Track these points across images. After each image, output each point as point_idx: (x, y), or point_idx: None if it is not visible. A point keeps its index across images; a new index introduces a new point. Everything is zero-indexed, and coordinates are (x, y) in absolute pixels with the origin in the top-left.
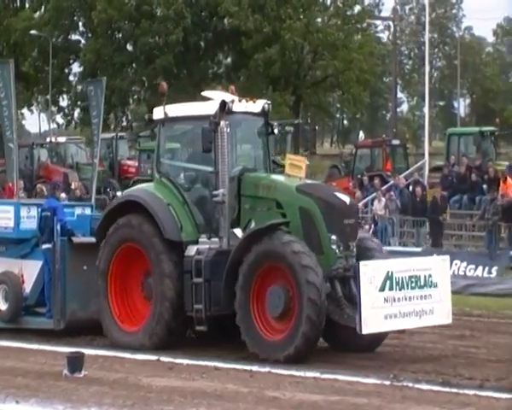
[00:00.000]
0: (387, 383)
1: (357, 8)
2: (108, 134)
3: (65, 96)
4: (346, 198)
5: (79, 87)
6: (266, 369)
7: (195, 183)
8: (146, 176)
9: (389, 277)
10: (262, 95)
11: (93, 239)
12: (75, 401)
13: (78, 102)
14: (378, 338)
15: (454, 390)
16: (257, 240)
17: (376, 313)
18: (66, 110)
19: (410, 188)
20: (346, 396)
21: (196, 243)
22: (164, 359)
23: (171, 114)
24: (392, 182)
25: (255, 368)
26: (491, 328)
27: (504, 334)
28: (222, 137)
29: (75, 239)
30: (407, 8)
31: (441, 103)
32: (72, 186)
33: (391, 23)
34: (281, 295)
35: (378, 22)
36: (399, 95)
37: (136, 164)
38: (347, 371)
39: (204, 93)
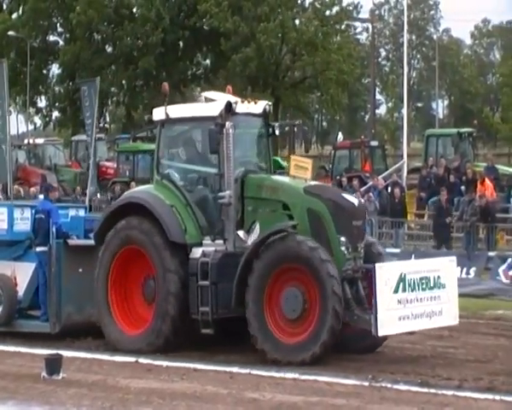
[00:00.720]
0: (366, 384)
1: (336, 9)
2: (86, 136)
3: (43, 97)
4: (354, 200)
5: (57, 88)
6: (246, 370)
7: (198, 184)
8: (124, 177)
9: (402, 278)
10: (241, 96)
11: (89, 241)
12: (53, 403)
13: (57, 104)
14: (380, 340)
15: (432, 391)
16: (271, 243)
17: (391, 315)
18: (44, 111)
19: (389, 189)
20: (325, 397)
21: (200, 245)
22: (143, 361)
23: (172, 115)
24: (370, 183)
25: (235, 370)
26: (470, 329)
27: (483, 335)
28: (227, 139)
29: (71, 242)
30: (385, 9)
31: (419, 105)
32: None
33: (369, 25)
34: (298, 296)
35: (357, 24)
36: (378, 96)
37: (115, 165)
38: (326, 372)
39: (205, 94)
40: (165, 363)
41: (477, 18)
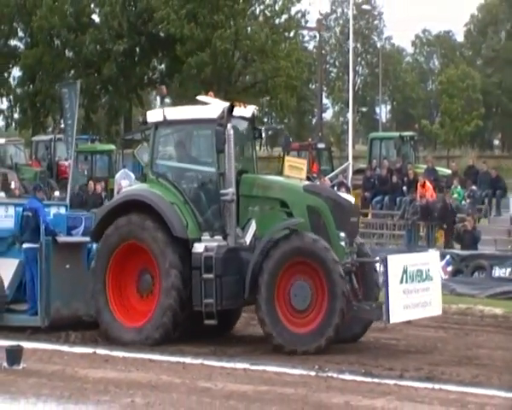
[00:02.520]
0: (313, 373)
1: (285, 17)
2: (46, 136)
3: (4, 99)
4: (350, 198)
5: (19, 90)
6: (198, 361)
7: (195, 183)
8: (83, 176)
9: (405, 270)
10: (196, 99)
11: (76, 239)
12: (14, 392)
13: (18, 105)
14: (361, 330)
15: (376, 380)
16: (288, 236)
17: (399, 304)
18: (6, 113)
19: (335, 189)
20: (274, 386)
21: (199, 240)
22: (100, 351)
23: (170, 117)
24: (317, 183)
25: (188, 360)
26: (411, 321)
27: (423, 327)
28: (229, 139)
29: (59, 239)
30: (332, 19)
31: (364, 109)
32: (12, 186)
33: (317, 33)
34: (306, 289)
35: (305, 32)
36: (325, 101)
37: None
38: (275, 362)
39: (199, 97)
40: (121, 354)
41: (418, 27)
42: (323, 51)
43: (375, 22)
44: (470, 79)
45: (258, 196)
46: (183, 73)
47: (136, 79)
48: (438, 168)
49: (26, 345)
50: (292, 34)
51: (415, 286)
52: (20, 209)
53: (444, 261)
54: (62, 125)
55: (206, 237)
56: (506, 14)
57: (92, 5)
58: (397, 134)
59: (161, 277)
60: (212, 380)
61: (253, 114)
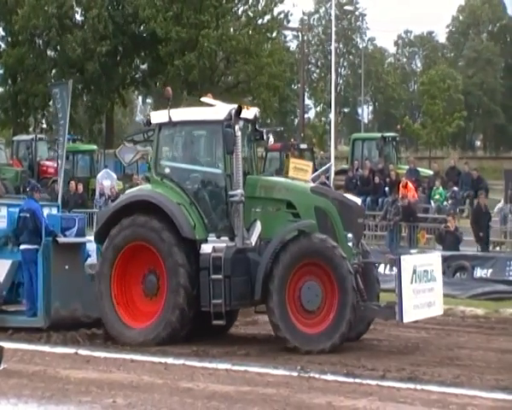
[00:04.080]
0: (295, 374)
1: (268, 17)
2: (27, 136)
3: None
4: (356, 199)
5: (0, 89)
6: (180, 361)
7: (201, 184)
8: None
9: (414, 270)
10: (179, 100)
11: (76, 239)
12: None
13: None
14: (363, 329)
15: (358, 381)
16: (296, 238)
17: (411, 304)
18: None
19: None
20: (256, 387)
21: (206, 241)
22: (82, 352)
23: (175, 119)
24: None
25: (170, 360)
26: (393, 322)
27: (405, 327)
28: (237, 141)
29: (60, 240)
30: (314, 19)
31: (346, 110)
32: None
33: (299, 33)
34: (317, 289)
35: (287, 32)
36: (307, 101)
37: (55, 165)
38: (257, 363)
39: (203, 99)
40: (103, 354)
41: (400, 28)
42: (306, 51)
43: (358, 23)
44: (452, 79)
45: (263, 198)
46: (168, 74)
47: (119, 79)
48: (420, 169)
49: (7, 345)
50: (274, 34)
51: (422, 286)
52: (13, 210)
53: None
54: (44, 125)
55: (211, 237)
56: (487, 16)
57: (75, 6)
58: (379, 135)
59: (168, 276)
60: (194, 380)
61: (255, 116)
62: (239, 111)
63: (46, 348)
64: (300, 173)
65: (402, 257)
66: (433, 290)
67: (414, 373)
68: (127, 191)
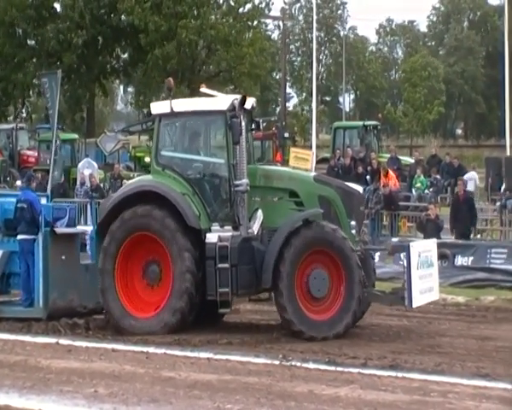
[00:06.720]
0: (277, 362)
1: (248, 6)
2: (8, 125)
3: None
4: (358, 187)
5: None
6: (162, 350)
7: (203, 174)
8: (45, 165)
9: (419, 257)
10: (159, 88)
11: (74, 230)
12: None
13: None
14: (358, 316)
15: (339, 369)
16: (309, 225)
17: (417, 289)
18: None
19: None
20: (238, 376)
21: (209, 230)
22: (63, 341)
23: (177, 109)
24: None
25: (151, 350)
26: (374, 310)
27: (386, 316)
28: (242, 131)
29: (57, 230)
30: (296, 8)
31: (328, 99)
32: None
33: (280, 23)
34: (325, 277)
35: (269, 21)
36: (288, 90)
37: (36, 154)
38: (239, 351)
39: (202, 89)
40: (84, 344)
41: (381, 17)
42: (287, 40)
43: (339, 12)
44: (433, 68)
45: (262, 187)
46: (148, 63)
47: (99, 68)
48: (401, 157)
49: None
50: (255, 23)
51: (425, 272)
52: (5, 200)
53: None
54: (24, 114)
55: (215, 227)
56: (468, 4)
57: None
58: (360, 123)
59: (173, 262)
60: (176, 370)
61: (252, 106)
62: (243, 101)
63: (27, 338)
64: (301, 162)
65: (411, 244)
66: (432, 276)
67: (395, 361)
68: (128, 182)
